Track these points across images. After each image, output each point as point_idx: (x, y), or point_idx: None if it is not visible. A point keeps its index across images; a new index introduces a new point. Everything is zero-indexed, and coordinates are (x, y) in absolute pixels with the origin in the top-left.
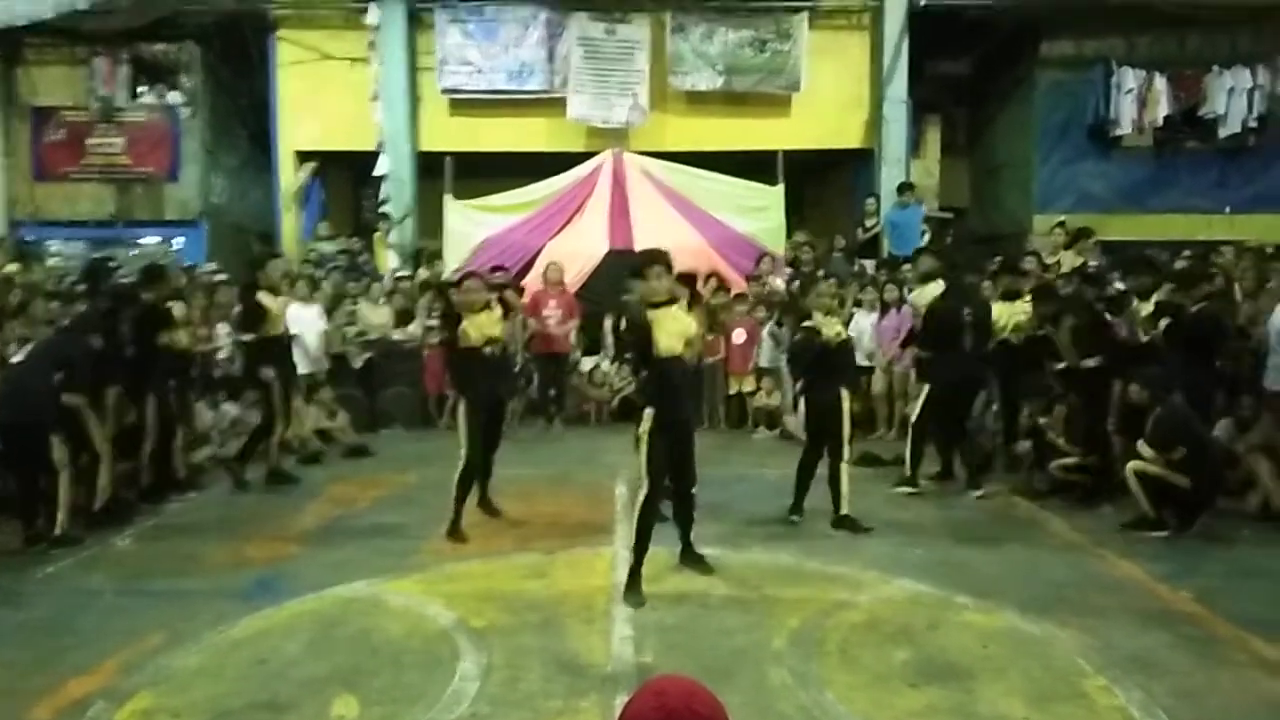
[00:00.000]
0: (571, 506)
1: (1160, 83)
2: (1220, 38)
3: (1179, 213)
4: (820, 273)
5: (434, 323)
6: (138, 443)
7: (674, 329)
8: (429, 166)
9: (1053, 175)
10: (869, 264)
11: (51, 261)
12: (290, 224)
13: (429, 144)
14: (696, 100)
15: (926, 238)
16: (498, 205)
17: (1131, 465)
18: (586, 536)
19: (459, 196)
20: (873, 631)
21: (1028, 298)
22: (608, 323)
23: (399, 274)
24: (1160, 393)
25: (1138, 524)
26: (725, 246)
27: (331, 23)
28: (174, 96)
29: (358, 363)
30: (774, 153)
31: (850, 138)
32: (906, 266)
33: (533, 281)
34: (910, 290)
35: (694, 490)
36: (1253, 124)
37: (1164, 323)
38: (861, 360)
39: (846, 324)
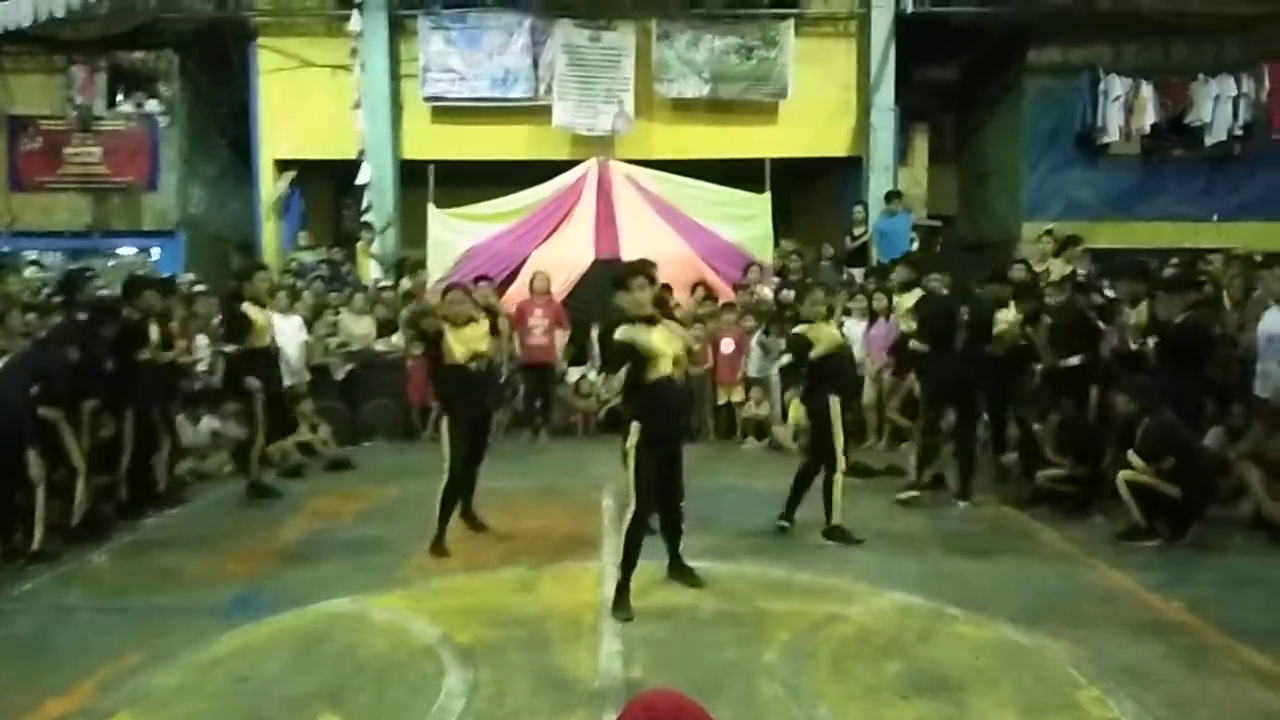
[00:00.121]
0: (558, 520)
1: (1147, 90)
2: (1207, 46)
3: (1166, 220)
4: (808, 280)
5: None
6: (116, 457)
7: (666, 350)
8: (412, 175)
9: (1041, 183)
10: (857, 272)
11: (28, 272)
12: (270, 234)
13: (411, 152)
14: (682, 108)
15: (915, 245)
16: (482, 214)
17: (1122, 475)
18: (573, 550)
19: (442, 205)
20: (864, 644)
21: (1013, 307)
22: (594, 333)
23: (381, 284)
24: (1148, 403)
25: (1129, 534)
26: (712, 255)
27: (313, 30)
28: (152, 105)
29: (340, 374)
30: (761, 161)
31: (837, 145)
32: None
33: (518, 291)
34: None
35: (681, 505)
36: (1239, 132)
37: (1153, 341)
38: None
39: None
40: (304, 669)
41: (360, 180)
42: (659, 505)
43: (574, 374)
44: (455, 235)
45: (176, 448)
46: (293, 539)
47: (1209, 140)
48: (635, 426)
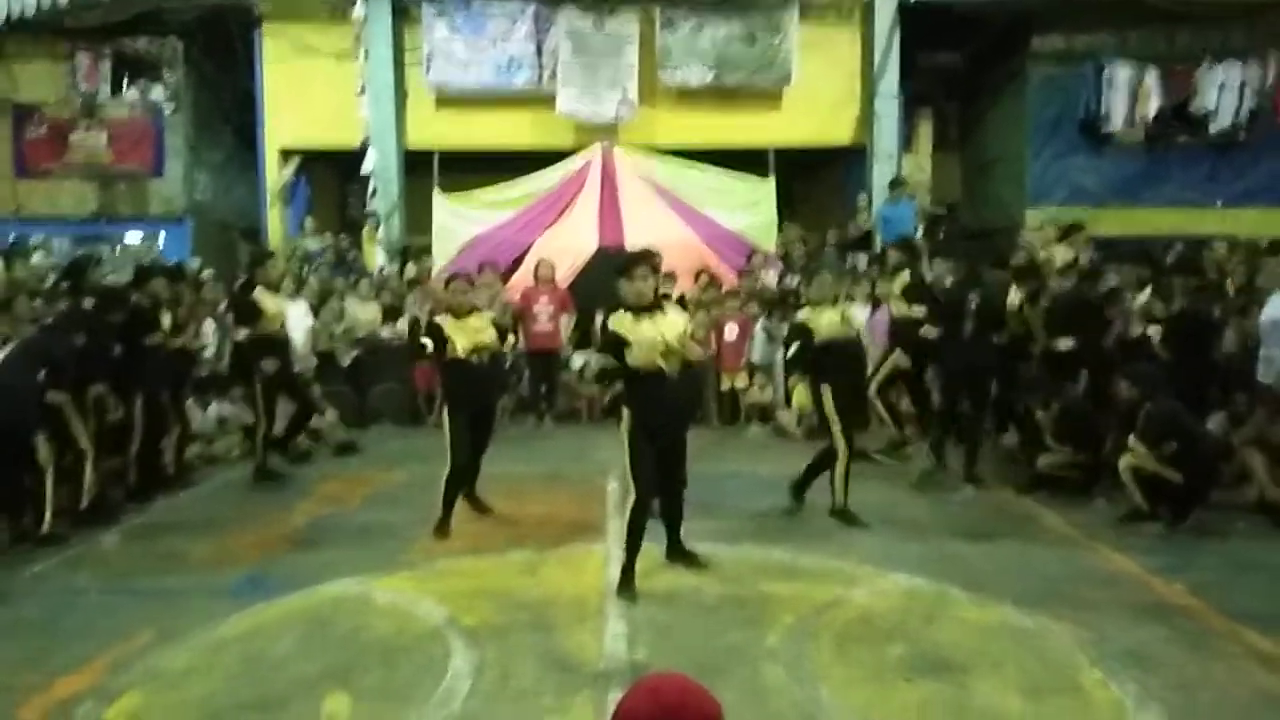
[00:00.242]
0: (563, 504)
1: (1151, 78)
2: (1211, 32)
3: (1171, 207)
4: (815, 264)
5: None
6: (125, 441)
7: (650, 340)
8: (416, 162)
9: (1044, 170)
10: (861, 259)
11: (35, 259)
12: (276, 221)
13: (416, 140)
14: (686, 95)
15: (919, 233)
16: (486, 201)
17: (1124, 460)
18: (578, 534)
19: (447, 193)
20: (867, 626)
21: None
22: (599, 319)
23: (386, 271)
24: (1150, 389)
25: (1132, 518)
26: (716, 242)
27: (317, 17)
28: (157, 92)
29: (346, 360)
30: (765, 148)
31: (841, 133)
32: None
33: (523, 278)
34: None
35: (684, 492)
36: (1243, 119)
37: (1153, 328)
38: None
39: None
40: (312, 650)
41: (365, 168)
42: (660, 491)
43: (578, 360)
44: (460, 222)
45: (185, 432)
46: (300, 522)
47: (1214, 127)
48: (626, 413)
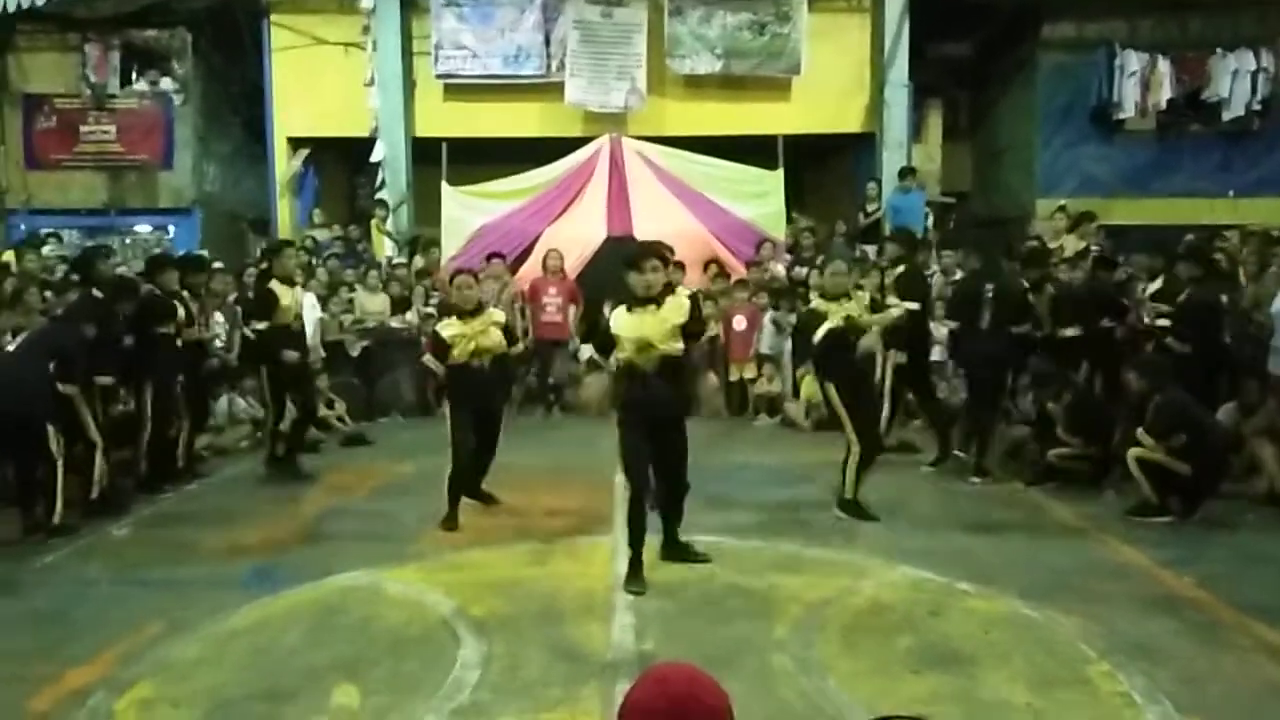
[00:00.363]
0: (571, 495)
1: (1163, 65)
2: (1223, 20)
3: (1182, 197)
4: (820, 259)
5: (431, 311)
6: (136, 432)
7: (632, 336)
8: (425, 153)
9: (1055, 159)
10: (870, 249)
11: (46, 250)
12: (285, 211)
13: (424, 130)
14: (695, 84)
15: (929, 222)
16: (495, 192)
17: (1132, 452)
18: (586, 525)
19: (455, 183)
20: (875, 618)
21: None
22: (607, 310)
23: (395, 261)
24: (1158, 381)
25: (1141, 510)
26: (725, 232)
27: (325, 7)
28: (166, 83)
29: (355, 350)
30: (774, 137)
31: (851, 122)
32: None
33: (531, 269)
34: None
35: (683, 490)
36: (1256, 107)
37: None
38: None
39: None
40: (321, 641)
41: (374, 158)
42: (660, 488)
43: (586, 351)
44: (468, 213)
45: (195, 423)
46: (310, 513)
47: (1226, 115)
48: (619, 405)
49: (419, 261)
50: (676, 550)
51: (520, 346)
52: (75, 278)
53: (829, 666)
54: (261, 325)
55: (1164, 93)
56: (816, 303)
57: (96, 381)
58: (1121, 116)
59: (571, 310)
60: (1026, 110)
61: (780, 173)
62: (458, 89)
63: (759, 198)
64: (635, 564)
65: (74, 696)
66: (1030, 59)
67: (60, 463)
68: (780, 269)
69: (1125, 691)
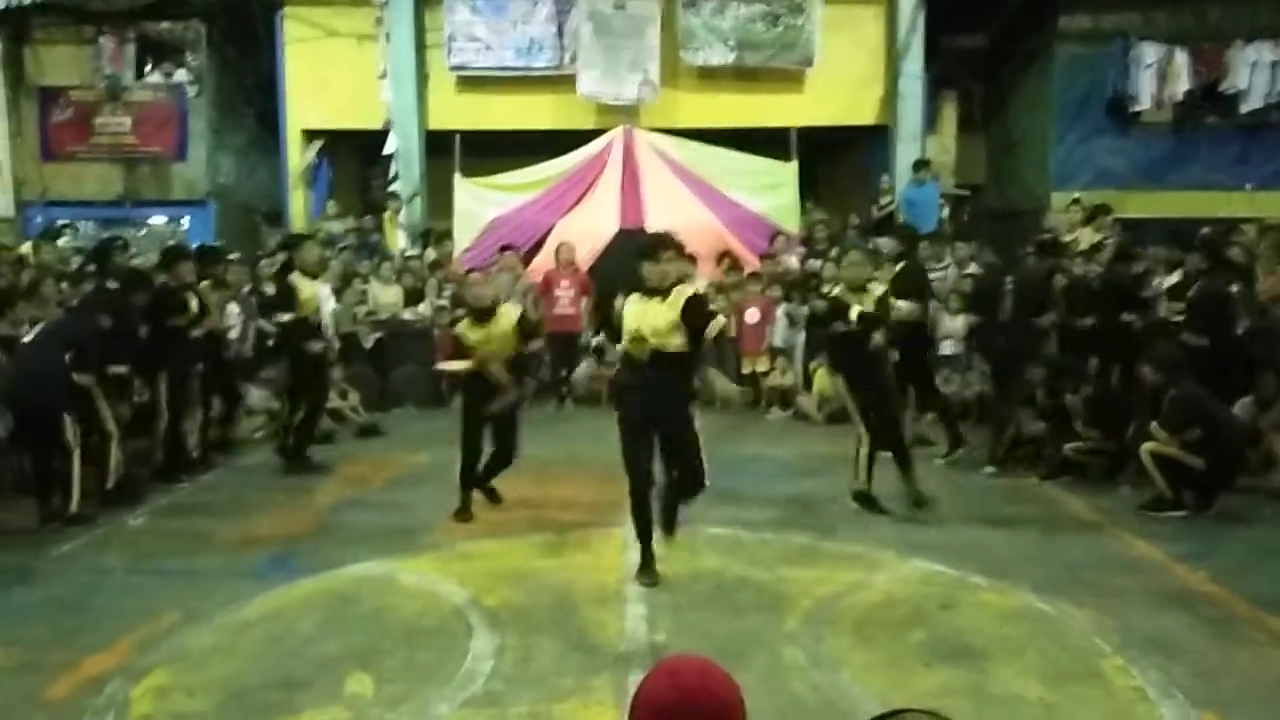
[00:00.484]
0: (584, 486)
1: (1181, 57)
2: (1242, 11)
3: (1198, 190)
4: (834, 251)
5: (444, 303)
6: (151, 422)
7: (631, 325)
8: (438, 145)
9: (1070, 151)
10: (884, 242)
11: (62, 241)
12: (298, 203)
13: (437, 122)
14: (708, 76)
15: (944, 214)
16: (507, 184)
17: (1146, 447)
18: (599, 516)
19: (468, 175)
20: (887, 611)
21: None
22: (619, 302)
23: (409, 254)
24: (1174, 374)
25: (1155, 504)
26: (738, 225)
27: (338, 0)
28: (181, 75)
29: (368, 342)
30: (787, 129)
31: (865, 114)
32: (923, 244)
33: (544, 261)
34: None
35: (683, 483)
36: (1275, 99)
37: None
38: None
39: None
40: (335, 630)
41: (387, 150)
42: (669, 478)
43: (598, 343)
44: (481, 205)
45: (227, 413)
46: (324, 504)
47: (1244, 108)
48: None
49: (432, 254)
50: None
51: (540, 341)
52: (91, 269)
53: (841, 660)
54: (286, 317)
55: (1181, 85)
56: (838, 291)
57: (110, 371)
58: (1138, 109)
59: (584, 302)
60: (1042, 102)
61: (794, 165)
62: (471, 81)
63: (772, 190)
64: (646, 556)
65: (90, 684)
66: (1046, 50)
67: (77, 453)
68: (793, 261)
69: (1139, 686)
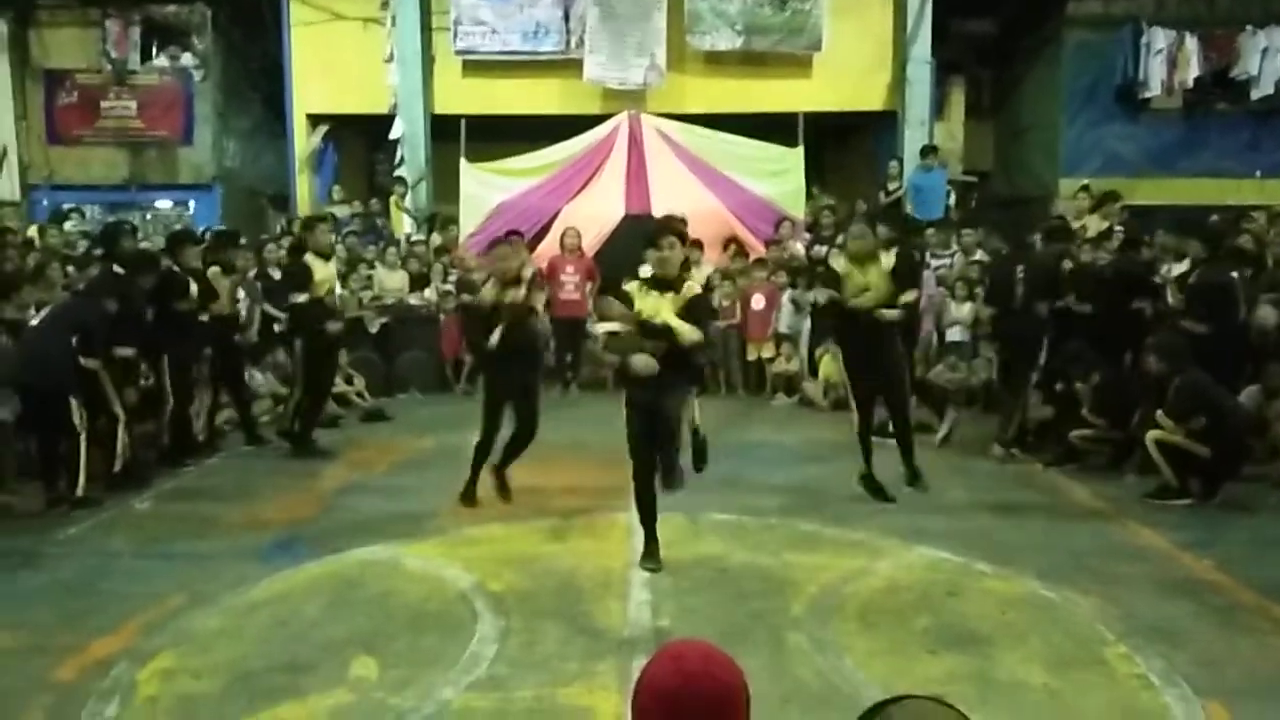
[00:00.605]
0: (589, 471)
1: (1191, 43)
2: None
3: (1208, 176)
4: (840, 238)
5: (449, 288)
6: (158, 406)
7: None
8: (443, 129)
9: (1079, 138)
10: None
11: (68, 225)
12: (304, 188)
13: (443, 106)
14: (715, 61)
15: (951, 201)
16: (513, 169)
17: (1151, 435)
18: (604, 501)
19: (473, 160)
20: (892, 598)
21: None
22: (625, 287)
23: (414, 238)
24: (1178, 363)
25: (1161, 492)
26: (744, 210)
27: None
28: (186, 59)
29: (374, 327)
30: (794, 114)
31: (872, 99)
32: (930, 231)
33: (549, 246)
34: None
35: (674, 472)
36: None
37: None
38: None
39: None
40: (340, 614)
41: (393, 135)
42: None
43: (603, 328)
44: (487, 190)
45: (236, 398)
46: (329, 488)
47: (1255, 94)
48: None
49: (437, 239)
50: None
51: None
52: (98, 253)
53: (845, 646)
54: (302, 298)
55: (1191, 71)
56: (836, 263)
57: (117, 354)
58: (1147, 95)
59: (589, 288)
60: (1051, 88)
61: (800, 150)
62: (477, 65)
63: (779, 176)
64: (650, 542)
65: (97, 667)
66: (1055, 36)
67: (83, 436)
68: (799, 248)
69: (1143, 673)
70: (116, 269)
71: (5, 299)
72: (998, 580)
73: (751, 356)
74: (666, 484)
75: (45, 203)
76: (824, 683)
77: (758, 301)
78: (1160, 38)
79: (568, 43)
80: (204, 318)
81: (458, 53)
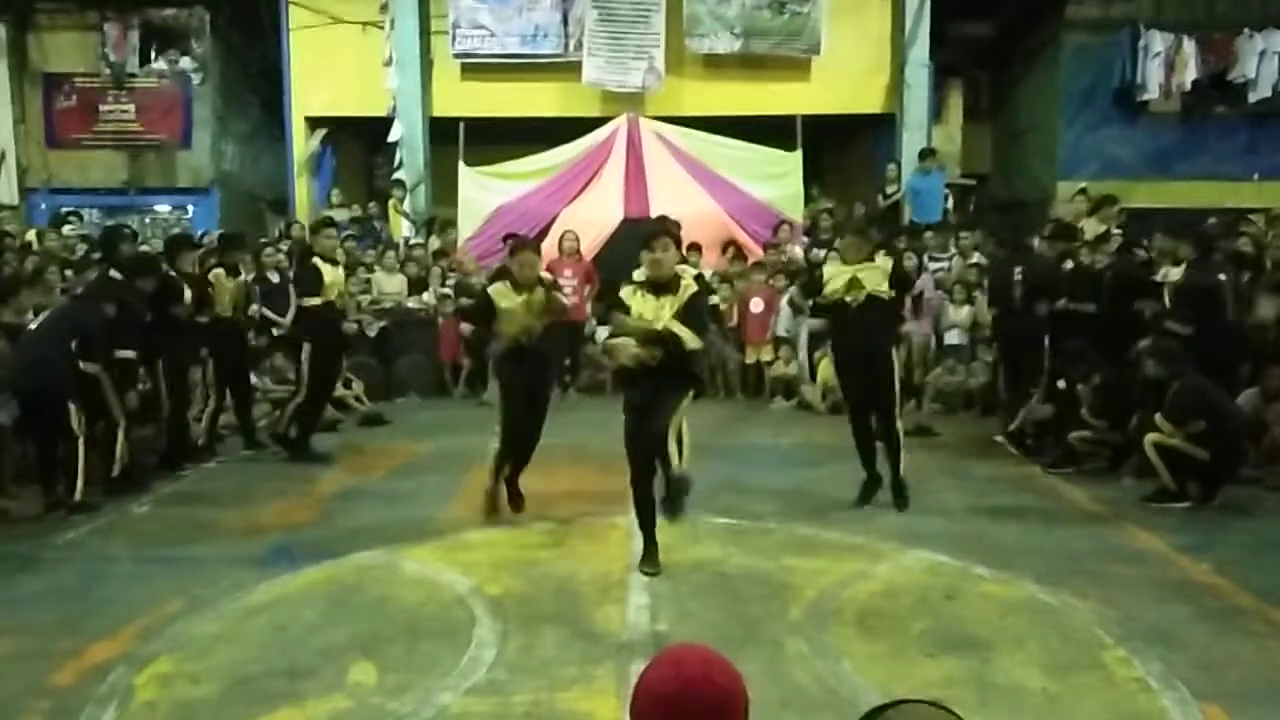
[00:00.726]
0: (587, 475)
1: (1189, 46)
2: None
3: (1206, 180)
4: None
5: (448, 292)
6: (156, 410)
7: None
8: (442, 132)
9: (1077, 141)
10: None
11: (67, 229)
12: (303, 191)
13: (442, 110)
14: (713, 64)
15: (949, 204)
16: (512, 172)
17: (1149, 438)
18: (602, 505)
19: (472, 163)
20: (890, 602)
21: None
22: (623, 291)
23: (413, 242)
24: (1176, 366)
25: (1159, 495)
26: (742, 214)
27: None
28: (185, 62)
29: (372, 331)
30: (793, 117)
31: (871, 102)
32: (928, 234)
33: (548, 250)
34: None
35: (674, 480)
36: None
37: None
38: None
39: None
40: (338, 619)
41: (391, 138)
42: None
43: (602, 332)
44: (485, 193)
45: (240, 402)
46: (327, 492)
47: (1253, 97)
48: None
49: (436, 242)
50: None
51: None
52: (97, 256)
53: (843, 650)
54: (314, 301)
55: (1189, 74)
56: (831, 268)
57: (118, 356)
58: (1145, 98)
59: (587, 291)
60: (1049, 91)
61: (799, 154)
62: (475, 68)
63: (777, 179)
64: (649, 545)
65: (95, 672)
66: (1053, 39)
67: (81, 440)
68: (798, 251)
69: (1141, 677)
70: (114, 273)
71: (3, 303)
72: (996, 584)
73: (750, 360)
74: (665, 510)
75: (44, 206)
76: (822, 687)
77: (756, 305)
78: (1158, 41)
79: (566, 46)
80: (204, 320)
81: (456, 56)
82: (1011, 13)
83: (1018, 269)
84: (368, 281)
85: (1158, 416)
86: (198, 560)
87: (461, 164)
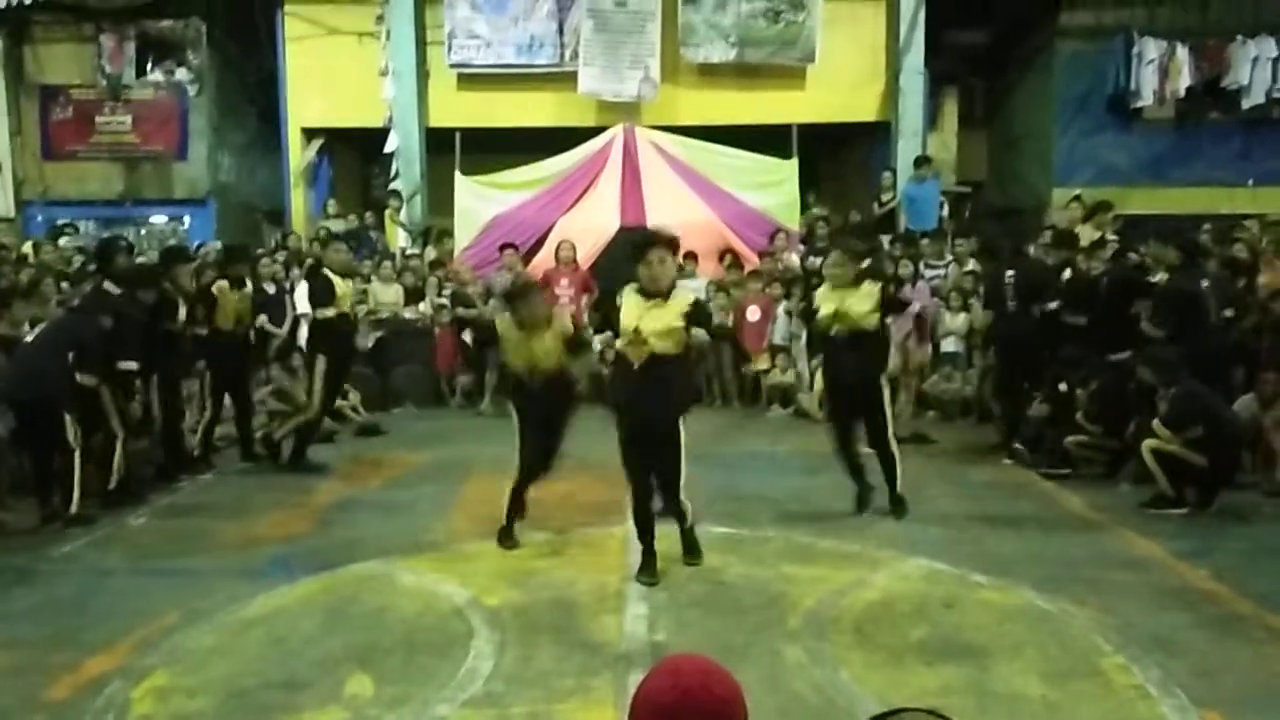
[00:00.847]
0: (584, 485)
1: (1182, 53)
2: (1244, 6)
3: (1201, 186)
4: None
5: (444, 301)
6: (152, 422)
7: (629, 324)
8: (438, 143)
9: (1072, 148)
10: (885, 239)
11: (63, 241)
12: (299, 202)
13: (438, 120)
14: (709, 73)
15: (944, 211)
16: (508, 182)
17: (1147, 444)
18: (599, 515)
19: (469, 173)
20: (888, 610)
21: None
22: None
23: (409, 252)
24: (1171, 374)
25: (1156, 502)
26: (738, 222)
27: None
28: (181, 74)
29: (369, 341)
30: (788, 126)
31: (866, 110)
32: (924, 242)
33: (544, 259)
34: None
35: (673, 503)
36: (1277, 95)
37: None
38: None
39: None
40: (335, 630)
41: (388, 148)
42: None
43: (599, 341)
44: (482, 203)
45: (240, 413)
46: (324, 503)
47: (1246, 103)
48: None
49: (432, 252)
50: (688, 551)
51: (591, 342)
52: (93, 268)
53: (841, 658)
54: (329, 313)
55: (1183, 80)
56: (821, 291)
57: (120, 367)
58: (1139, 105)
59: (584, 300)
60: (1043, 98)
61: (794, 162)
62: (471, 79)
63: (773, 187)
64: (647, 555)
65: (91, 685)
66: (1047, 46)
67: (77, 453)
68: (794, 259)
69: (1140, 684)
70: (109, 286)
71: None
72: (994, 591)
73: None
74: (664, 508)
75: (40, 218)
76: (821, 696)
77: (753, 313)
78: (1152, 48)
79: (562, 56)
80: (202, 332)
81: (452, 66)
82: (1006, 20)
83: (1009, 273)
84: (364, 292)
85: (1155, 423)
86: (194, 572)
87: (458, 174)
